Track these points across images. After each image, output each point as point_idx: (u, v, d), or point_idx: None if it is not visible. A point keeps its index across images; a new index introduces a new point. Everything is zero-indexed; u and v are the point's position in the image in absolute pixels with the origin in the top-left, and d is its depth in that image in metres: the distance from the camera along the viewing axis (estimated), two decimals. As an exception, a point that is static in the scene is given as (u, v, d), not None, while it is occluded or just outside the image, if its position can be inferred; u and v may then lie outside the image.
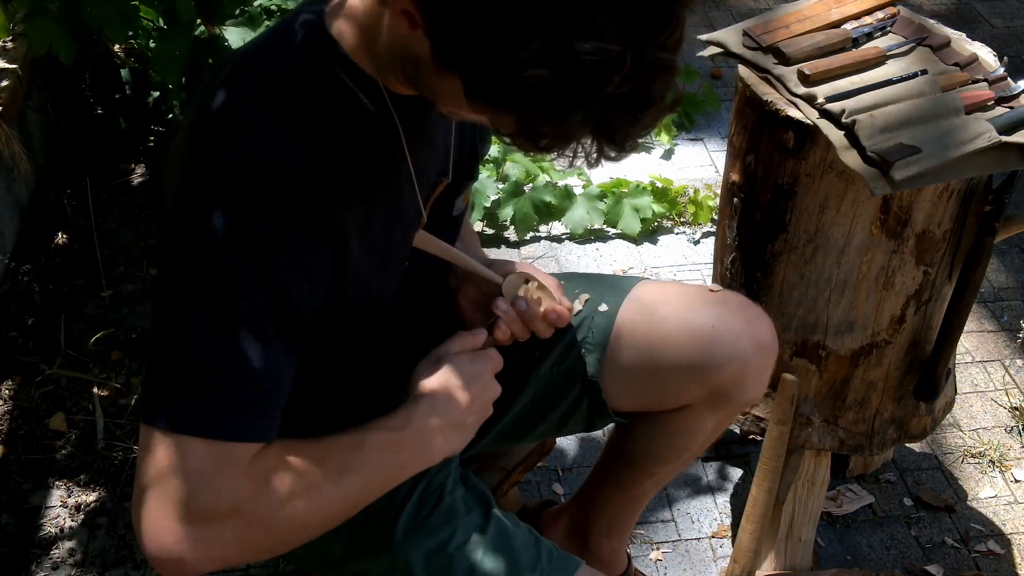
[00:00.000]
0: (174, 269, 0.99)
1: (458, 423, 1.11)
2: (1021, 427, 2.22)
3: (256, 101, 0.99)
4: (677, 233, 2.77)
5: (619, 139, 0.89)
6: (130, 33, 2.34)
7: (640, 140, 0.92)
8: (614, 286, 1.43)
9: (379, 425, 1.08)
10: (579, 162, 0.91)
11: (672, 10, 0.84)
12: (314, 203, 1.00)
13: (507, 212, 2.68)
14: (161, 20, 2.43)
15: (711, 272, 1.96)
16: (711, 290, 1.41)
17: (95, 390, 2.21)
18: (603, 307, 1.40)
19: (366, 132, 1.06)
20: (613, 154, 0.91)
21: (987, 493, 2.08)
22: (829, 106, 1.46)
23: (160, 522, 0.95)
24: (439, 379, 1.12)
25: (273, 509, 0.99)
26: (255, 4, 2.45)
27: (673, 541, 1.97)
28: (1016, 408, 2.26)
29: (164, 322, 0.98)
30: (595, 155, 0.91)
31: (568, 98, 0.84)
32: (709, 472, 2.10)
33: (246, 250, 0.96)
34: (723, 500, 2.05)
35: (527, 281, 1.28)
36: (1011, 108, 1.48)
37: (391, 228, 1.14)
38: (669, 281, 1.45)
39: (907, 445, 2.10)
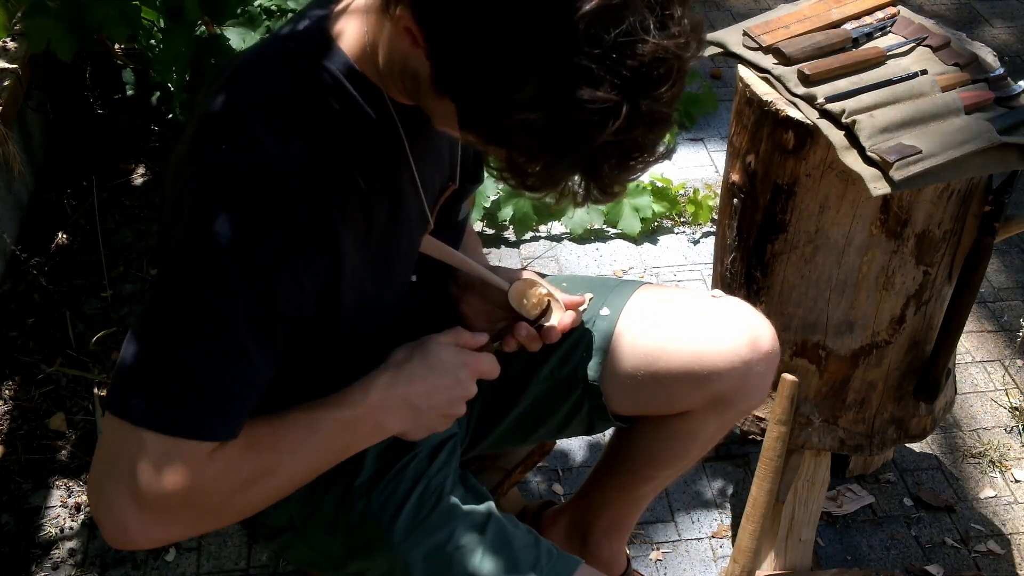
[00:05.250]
0: (164, 268, 0.99)
1: (415, 405, 1.12)
2: (1021, 427, 2.22)
3: (256, 106, 0.99)
4: (677, 233, 2.77)
5: (607, 184, 0.89)
6: (132, 33, 2.34)
7: (628, 185, 0.92)
8: (615, 290, 1.43)
9: (336, 401, 1.10)
10: (565, 202, 0.91)
11: (674, 66, 0.84)
12: (309, 211, 0.99)
13: (507, 212, 2.68)
14: (162, 20, 2.43)
15: (711, 272, 1.96)
16: (713, 296, 1.41)
17: (95, 390, 2.21)
18: (604, 311, 1.40)
19: (368, 138, 1.05)
20: (600, 197, 0.90)
21: (987, 493, 2.08)
22: (829, 106, 1.46)
23: (118, 506, 0.97)
24: (411, 356, 1.13)
25: (226, 497, 1.03)
26: (255, 4, 2.45)
27: (673, 541, 1.97)
28: (1016, 408, 2.26)
29: (147, 317, 0.99)
30: (581, 197, 0.90)
31: (559, 143, 0.84)
32: (709, 472, 2.10)
33: (234, 255, 0.96)
34: (723, 500, 2.05)
35: (532, 287, 1.28)
36: (1011, 108, 1.48)
37: (394, 235, 1.14)
38: (671, 286, 1.45)
39: (907, 445, 2.11)
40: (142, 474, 0.96)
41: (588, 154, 0.85)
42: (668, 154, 0.90)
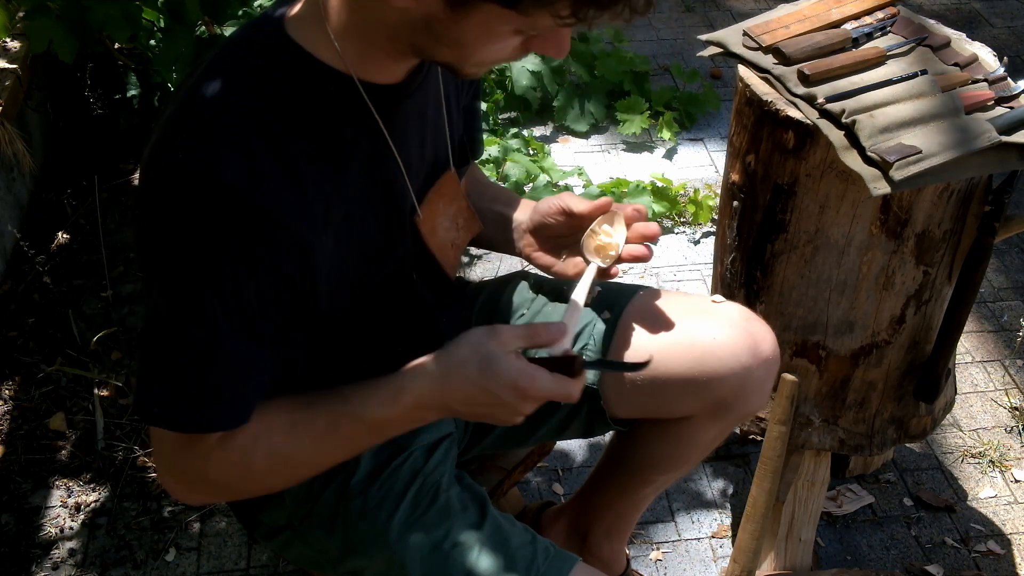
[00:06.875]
0: (148, 271, 1.03)
1: (452, 408, 1.12)
2: (1021, 427, 2.22)
3: (222, 107, 0.99)
4: (677, 233, 2.77)
5: None
6: (133, 33, 2.34)
7: None
8: (616, 294, 1.42)
9: (363, 399, 1.11)
10: (628, 14, 0.93)
11: None
12: (277, 212, 1.00)
13: (507, 212, 2.67)
14: (162, 20, 2.43)
15: (711, 272, 1.96)
16: (714, 301, 1.41)
17: (95, 390, 2.21)
18: (605, 314, 1.40)
19: (341, 128, 1.06)
20: None
21: (987, 493, 2.08)
22: (829, 106, 1.46)
23: (163, 478, 1.16)
24: (471, 360, 1.09)
25: (243, 479, 1.14)
26: (255, 4, 2.45)
27: (673, 541, 1.97)
28: (1016, 408, 2.26)
29: (146, 317, 1.06)
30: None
31: None
32: (709, 472, 2.10)
33: (204, 258, 0.98)
34: (723, 500, 2.05)
35: (595, 234, 1.32)
36: (1011, 108, 1.48)
37: (383, 225, 1.15)
38: (671, 290, 1.45)
39: (907, 445, 2.11)
40: (169, 461, 1.13)
41: None
42: None
